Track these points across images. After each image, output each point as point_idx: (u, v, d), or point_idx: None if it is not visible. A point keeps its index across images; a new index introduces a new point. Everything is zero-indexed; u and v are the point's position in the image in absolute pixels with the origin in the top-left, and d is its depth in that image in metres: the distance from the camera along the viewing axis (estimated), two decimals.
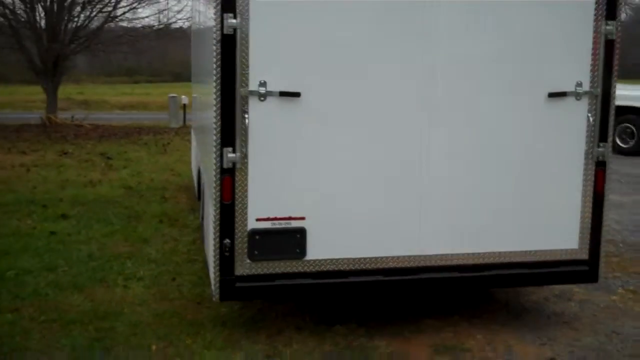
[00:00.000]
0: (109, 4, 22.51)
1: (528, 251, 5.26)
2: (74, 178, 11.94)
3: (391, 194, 5.03)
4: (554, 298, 6.16)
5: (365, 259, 5.07)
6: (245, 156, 4.79)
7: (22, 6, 21.89)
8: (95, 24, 22.95)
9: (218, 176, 4.81)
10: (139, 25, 23.96)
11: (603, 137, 5.24)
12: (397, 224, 5.07)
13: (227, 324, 5.39)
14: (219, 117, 4.73)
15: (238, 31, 4.64)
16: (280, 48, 4.75)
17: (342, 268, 5.05)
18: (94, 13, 22.64)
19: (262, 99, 4.76)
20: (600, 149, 5.23)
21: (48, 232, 8.09)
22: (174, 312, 5.60)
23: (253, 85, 4.73)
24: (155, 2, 23.52)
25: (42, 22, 21.94)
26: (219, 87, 4.70)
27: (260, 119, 4.78)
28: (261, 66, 4.73)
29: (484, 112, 5.06)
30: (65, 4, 21.80)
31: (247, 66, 4.71)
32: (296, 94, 4.78)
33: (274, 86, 4.76)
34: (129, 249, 7.52)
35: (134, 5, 22.89)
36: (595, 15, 5.09)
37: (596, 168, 5.27)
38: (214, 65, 4.69)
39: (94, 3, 22.29)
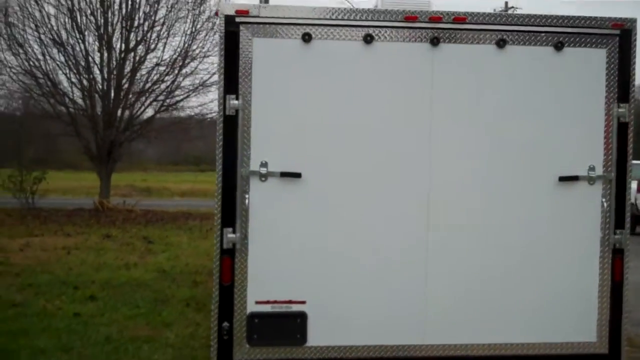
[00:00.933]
0: (163, 93, 23.38)
1: (542, 343, 5.03)
2: (111, 261, 12.13)
3: (396, 280, 4.93)
4: None
5: (369, 347, 4.92)
6: (245, 237, 4.79)
7: (80, 94, 22.96)
8: (150, 112, 23.81)
9: (218, 257, 4.82)
10: (192, 113, 24.71)
11: (620, 224, 5.05)
12: (402, 311, 4.94)
13: None
14: (220, 197, 4.78)
15: (240, 112, 4.74)
16: (282, 129, 4.83)
17: (344, 356, 4.91)
18: (149, 101, 23.52)
19: (263, 179, 4.80)
20: (617, 236, 5.04)
21: (72, 313, 8.17)
22: None
23: (254, 166, 4.79)
24: (209, 92, 24.24)
25: (99, 110, 22.91)
26: (221, 166, 4.77)
27: (261, 200, 4.81)
28: (262, 146, 4.80)
29: (491, 197, 4.97)
30: (122, 92, 22.76)
31: (249, 147, 4.78)
32: (297, 175, 4.81)
33: (275, 167, 4.81)
34: (149, 332, 7.51)
35: (188, 94, 23.72)
36: (607, 98, 5.02)
37: (613, 256, 5.07)
38: (217, 145, 4.78)
39: (149, 92, 23.19)
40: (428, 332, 4.96)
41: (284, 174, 4.81)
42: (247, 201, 4.77)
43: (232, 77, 4.77)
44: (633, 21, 5.03)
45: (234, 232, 4.78)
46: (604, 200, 5.03)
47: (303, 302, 4.88)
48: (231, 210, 4.79)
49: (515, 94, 4.98)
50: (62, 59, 22.71)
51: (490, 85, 4.96)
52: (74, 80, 22.90)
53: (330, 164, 4.87)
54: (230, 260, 4.82)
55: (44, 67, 22.52)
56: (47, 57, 22.53)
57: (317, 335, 4.89)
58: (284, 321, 4.86)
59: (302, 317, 4.86)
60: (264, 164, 4.80)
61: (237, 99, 4.75)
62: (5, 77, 23.12)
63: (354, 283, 4.91)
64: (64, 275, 10.57)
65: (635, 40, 5.03)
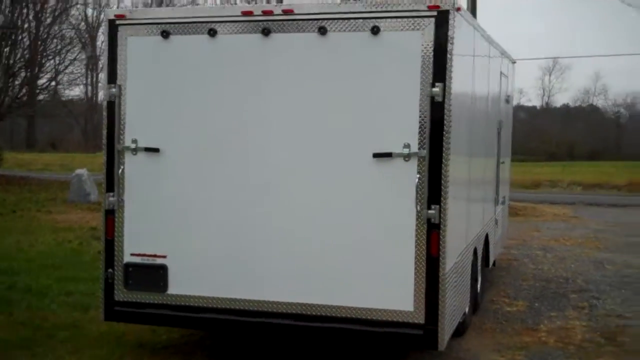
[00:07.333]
0: None
1: (360, 308, 5.76)
2: None
3: (238, 243, 6.04)
4: None
5: (216, 298, 6.11)
6: (121, 200, 6.32)
7: None
8: None
9: (103, 216, 6.41)
10: None
11: (435, 199, 5.58)
12: (244, 269, 6.04)
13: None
14: (104, 167, 6.37)
15: (117, 99, 6.25)
16: (148, 112, 6.21)
17: (196, 304, 6.16)
18: None
19: (134, 153, 6.26)
20: (431, 211, 5.59)
21: None
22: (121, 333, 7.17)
23: (127, 142, 6.26)
24: None
25: None
26: (105, 142, 6.34)
27: (133, 170, 6.27)
28: (134, 126, 6.23)
29: (314, 173, 5.85)
30: None
31: (124, 126, 6.27)
32: (156, 150, 6.19)
33: (143, 143, 6.23)
34: None
35: None
36: (422, 78, 5.55)
37: (429, 230, 5.62)
38: (103, 126, 6.37)
39: None
40: (264, 289, 5.98)
41: (147, 149, 6.24)
42: (120, 171, 6.30)
43: (112, 70, 6.27)
44: (449, 2, 5.53)
45: (113, 196, 6.34)
46: (417, 176, 5.62)
47: (164, 257, 6.24)
48: (112, 178, 6.35)
49: (336, 77, 5.76)
50: None
51: (314, 69, 5.81)
52: None
53: (183, 140, 6.12)
54: (113, 219, 6.38)
55: None
56: None
57: (176, 285, 6.21)
58: (150, 271, 6.26)
59: (163, 268, 6.24)
60: (134, 141, 6.23)
61: (115, 88, 6.28)
62: None
63: (206, 242, 6.12)
64: None
65: (452, 20, 5.51)
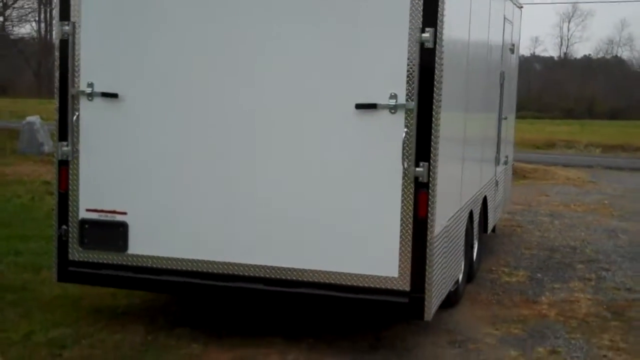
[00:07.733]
0: None
1: (339, 273, 5.89)
2: None
3: (206, 200, 6.15)
4: (447, 344, 6.55)
5: (181, 260, 6.23)
6: (76, 150, 6.42)
7: None
8: None
9: (56, 167, 6.51)
10: None
11: (423, 156, 5.67)
12: (211, 229, 6.15)
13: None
14: (57, 113, 6.46)
15: (70, 37, 6.32)
16: (108, 52, 6.25)
17: (158, 266, 6.28)
18: None
19: (90, 98, 6.33)
20: (419, 169, 5.69)
21: None
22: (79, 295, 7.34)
23: (83, 86, 6.33)
24: None
25: None
26: (57, 85, 6.42)
27: (89, 117, 6.33)
28: (90, 68, 6.29)
29: (290, 122, 5.95)
30: None
31: (79, 68, 6.34)
32: (114, 95, 6.27)
33: (99, 87, 6.33)
34: None
35: None
36: (410, 22, 5.62)
37: (417, 190, 5.73)
38: (55, 67, 6.45)
39: None
40: (233, 251, 6.10)
41: (104, 94, 6.33)
42: (75, 117, 6.39)
43: (65, 6, 6.29)
44: None
45: (67, 145, 6.44)
46: (405, 130, 5.73)
47: (124, 213, 6.36)
48: (65, 125, 6.44)
49: (315, 19, 5.83)
50: None
51: (291, 12, 5.88)
52: None
53: (145, 85, 6.18)
54: (66, 171, 6.49)
55: None
56: None
57: (137, 245, 6.32)
58: (108, 229, 6.37)
59: (123, 226, 6.35)
60: (90, 85, 6.31)
61: (68, 25, 6.34)
62: None
63: (170, 200, 6.21)
64: None
65: None
